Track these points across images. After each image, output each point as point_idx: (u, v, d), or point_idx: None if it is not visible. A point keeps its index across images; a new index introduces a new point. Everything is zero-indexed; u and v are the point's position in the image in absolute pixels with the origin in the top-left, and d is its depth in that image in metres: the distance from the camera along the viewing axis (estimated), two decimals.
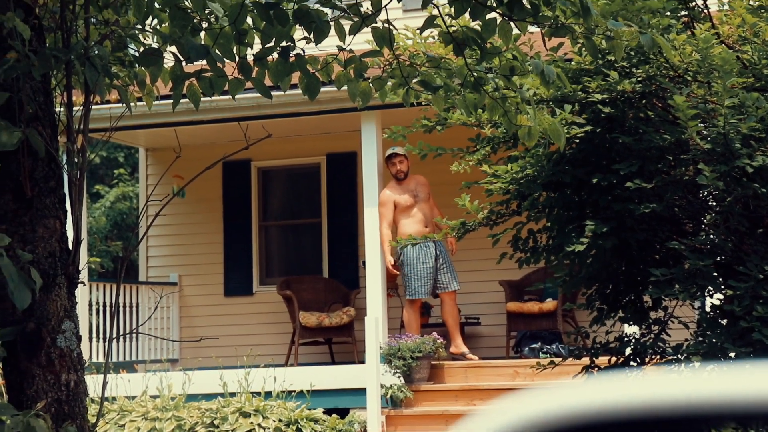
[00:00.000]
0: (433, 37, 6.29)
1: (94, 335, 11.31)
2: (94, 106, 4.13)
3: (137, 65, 4.69)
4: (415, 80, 4.69)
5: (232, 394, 10.23)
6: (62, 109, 4.08)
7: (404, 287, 10.56)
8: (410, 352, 9.94)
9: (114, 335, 9.80)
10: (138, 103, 5.14)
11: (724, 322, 5.66)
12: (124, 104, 4.50)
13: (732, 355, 5.48)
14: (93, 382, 9.05)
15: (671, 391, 1.40)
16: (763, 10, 5.90)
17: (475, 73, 4.52)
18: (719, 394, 1.38)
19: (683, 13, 6.07)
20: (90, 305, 11.26)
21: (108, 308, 11.50)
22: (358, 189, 11.92)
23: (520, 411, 1.43)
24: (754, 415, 1.44)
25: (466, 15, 4.28)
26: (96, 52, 3.77)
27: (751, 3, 5.99)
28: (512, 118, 4.61)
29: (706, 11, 6.12)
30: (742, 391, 1.37)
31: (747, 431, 1.68)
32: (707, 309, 6.03)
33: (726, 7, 6.11)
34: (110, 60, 4.31)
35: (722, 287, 5.68)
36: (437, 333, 10.35)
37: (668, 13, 5.81)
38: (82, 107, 4.00)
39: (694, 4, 6.10)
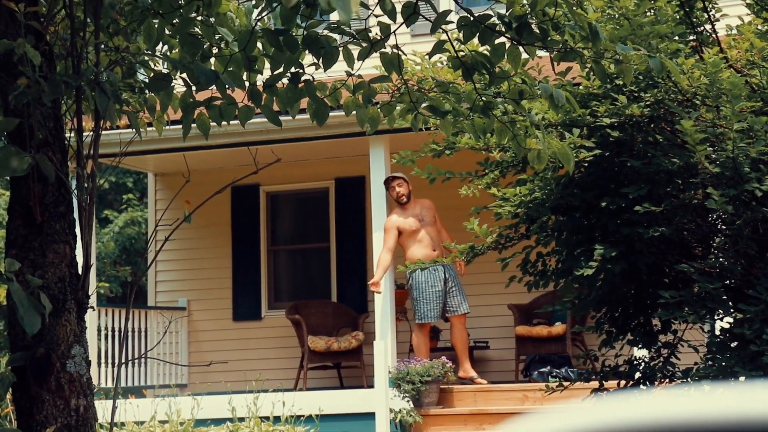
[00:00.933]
0: (442, 62, 6.31)
1: (103, 360, 11.31)
2: (104, 132, 4.14)
3: (147, 91, 4.72)
4: (423, 105, 4.70)
5: (241, 419, 10.21)
6: (72, 134, 4.09)
7: (413, 311, 10.55)
8: (419, 376, 9.92)
9: (123, 360, 9.80)
10: (147, 129, 5.16)
11: (734, 345, 5.65)
12: (134, 130, 4.51)
13: (742, 378, 5.47)
14: (102, 407, 9.04)
15: (687, 409, 1.40)
16: None
17: (483, 98, 4.53)
18: (733, 413, 1.37)
19: (691, 37, 6.08)
20: (99, 330, 11.27)
21: (117, 333, 11.50)
22: (366, 213, 11.94)
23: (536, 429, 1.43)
24: None
25: (475, 40, 4.29)
26: (106, 77, 3.79)
27: (759, 27, 6.01)
28: (521, 141, 4.61)
29: (714, 36, 6.14)
30: (754, 410, 1.37)
31: None
32: (717, 332, 6.02)
33: (734, 31, 6.12)
34: (120, 86, 4.33)
35: (732, 310, 5.67)
36: (446, 357, 10.33)
37: (676, 38, 5.83)
38: (92, 132, 4.02)
39: (702, 28, 6.11)
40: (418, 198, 10.63)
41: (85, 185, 3.94)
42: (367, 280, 12.04)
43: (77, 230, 3.97)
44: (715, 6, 6.15)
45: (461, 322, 10.56)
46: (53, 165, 3.87)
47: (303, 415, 10.19)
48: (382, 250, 10.37)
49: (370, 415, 10.02)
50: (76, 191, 3.96)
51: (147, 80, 4.57)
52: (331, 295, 12.52)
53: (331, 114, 4.76)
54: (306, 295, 12.60)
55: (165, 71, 4.50)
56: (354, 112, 4.76)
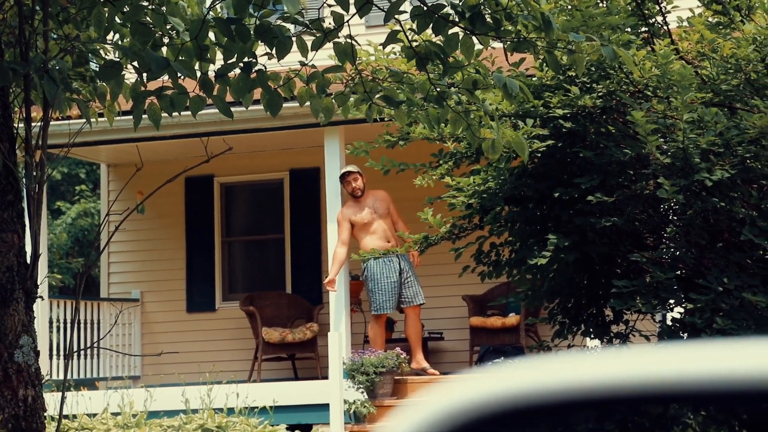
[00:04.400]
0: (396, 53, 6.31)
1: (55, 352, 11.20)
2: (54, 122, 4.10)
3: (98, 80, 4.67)
4: (377, 95, 4.70)
5: (195, 411, 10.16)
6: (21, 123, 4.05)
7: (369, 302, 10.54)
8: (373, 367, 9.93)
9: (73, 351, 9.71)
10: (99, 119, 5.11)
11: (685, 335, 5.70)
12: (85, 119, 4.47)
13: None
14: (53, 400, 8.96)
15: (620, 372, 1.38)
16: (721, 27, 5.96)
17: (437, 88, 4.53)
18: (670, 375, 1.36)
19: (643, 29, 6.12)
20: (50, 322, 11.16)
21: (68, 325, 11.40)
22: (321, 204, 11.91)
23: (455, 397, 1.41)
24: (700, 396, 1.42)
25: (429, 30, 4.29)
26: (55, 66, 3.74)
27: (710, 19, 6.06)
28: (475, 131, 4.62)
29: (665, 27, 6.18)
30: (690, 372, 1.35)
31: (692, 412, 1.68)
32: (668, 322, 6.07)
33: (685, 23, 6.17)
34: (71, 75, 4.28)
35: (683, 300, 5.72)
36: (401, 348, 10.34)
37: (628, 29, 5.86)
38: (40, 122, 3.98)
39: (654, 20, 6.15)
40: (373, 189, 10.62)
41: (34, 174, 3.89)
42: (322, 271, 12.02)
43: (26, 220, 3.93)
44: None
45: (416, 313, 10.57)
46: (1, 153, 3.82)
47: (257, 407, 10.16)
48: (336, 245, 10.35)
49: (325, 406, 10.02)
50: (25, 180, 3.92)
51: (98, 69, 4.52)
52: (286, 287, 12.49)
53: (285, 105, 4.74)
54: (260, 286, 12.56)
55: (116, 60, 4.46)
56: (308, 103, 4.75)
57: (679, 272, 5.73)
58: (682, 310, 5.84)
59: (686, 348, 1.39)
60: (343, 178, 10.53)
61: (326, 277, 10.80)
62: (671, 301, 5.75)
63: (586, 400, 1.39)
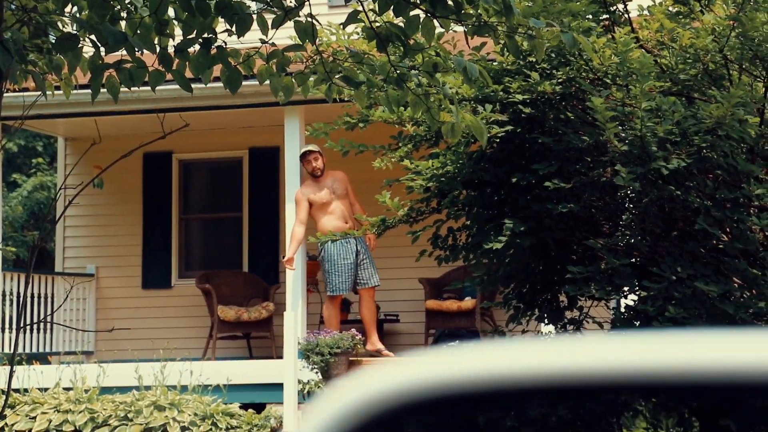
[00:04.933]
0: (357, 33, 6.29)
1: (8, 326, 11.11)
2: (10, 94, 4.05)
3: (55, 53, 4.62)
4: (337, 75, 4.68)
5: (148, 388, 10.13)
6: None
7: (325, 283, 10.53)
8: (328, 347, 9.93)
9: (24, 324, 9.64)
10: (56, 92, 5.05)
11: (638, 323, 5.75)
12: (41, 92, 4.42)
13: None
14: (4, 373, 8.89)
15: (567, 360, 1.37)
16: (681, 16, 5.99)
17: (398, 70, 4.52)
18: (622, 363, 1.36)
19: (604, 16, 6.14)
20: (3, 295, 11.07)
21: (22, 299, 11.31)
22: (280, 184, 11.87)
23: (389, 378, 1.38)
24: (651, 386, 1.42)
25: (390, 12, 4.28)
26: (10, 36, 3.70)
27: (670, 9, 6.09)
28: (435, 114, 4.62)
29: (626, 15, 6.20)
30: (645, 362, 1.35)
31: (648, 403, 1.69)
32: (622, 309, 6.11)
33: (646, 12, 6.19)
34: (27, 47, 4.23)
35: (636, 288, 5.76)
36: (356, 329, 10.35)
37: (589, 16, 5.87)
38: None
39: (615, 8, 6.17)
40: (331, 170, 10.60)
41: None
42: (279, 250, 11.99)
43: None
44: None
45: (370, 295, 10.58)
46: None
47: (211, 385, 10.14)
48: (294, 223, 10.33)
49: (279, 386, 10.02)
50: None
51: (55, 41, 4.47)
52: (243, 265, 12.46)
53: (244, 82, 4.71)
54: (217, 264, 12.52)
55: (74, 32, 4.41)
56: (267, 81, 4.72)
57: (633, 260, 5.77)
58: (635, 298, 5.88)
59: (639, 337, 1.39)
60: (304, 157, 10.50)
61: (284, 256, 10.78)
62: (625, 288, 5.79)
63: (540, 386, 1.38)
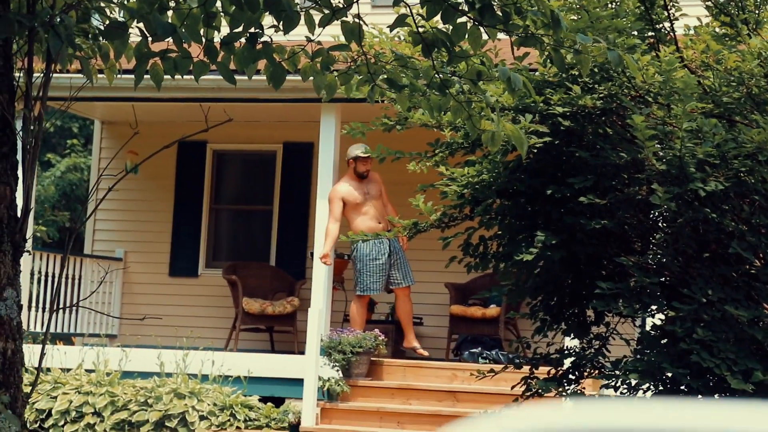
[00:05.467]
0: (401, 37, 6.29)
1: (33, 304, 11.19)
2: (54, 75, 4.08)
3: (101, 38, 4.64)
4: (381, 77, 4.68)
5: (169, 375, 10.17)
6: (22, 75, 4.03)
7: (355, 282, 10.55)
8: (351, 346, 9.94)
9: (55, 307, 9.70)
10: (98, 76, 5.08)
11: (664, 342, 5.72)
12: (85, 76, 4.45)
13: (669, 374, 5.54)
14: (29, 352, 8.95)
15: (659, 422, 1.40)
16: (727, 38, 5.97)
17: (441, 75, 4.52)
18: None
19: (649, 34, 6.12)
20: (32, 274, 11.15)
21: (50, 278, 11.38)
22: (312, 180, 11.89)
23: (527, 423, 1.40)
24: None
25: (437, 17, 4.28)
26: (61, 20, 3.72)
27: (717, 30, 6.06)
28: (476, 122, 4.61)
29: (672, 34, 6.18)
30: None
31: None
32: (648, 328, 6.09)
33: (692, 31, 6.17)
34: (75, 31, 4.26)
35: (665, 307, 5.74)
36: (379, 330, 10.37)
37: (634, 33, 5.86)
38: (42, 75, 3.96)
39: (661, 26, 6.15)
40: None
41: (31, 128, 3.88)
42: (307, 246, 12.01)
43: (19, 172, 3.91)
44: (676, 5, 6.19)
45: (406, 294, 10.61)
46: (0, 104, 3.80)
47: (231, 376, 10.18)
48: (328, 221, 10.34)
49: (299, 381, 10.03)
50: (21, 133, 3.90)
51: (102, 27, 4.50)
52: (270, 259, 12.49)
53: (287, 77, 4.73)
54: (245, 256, 12.55)
55: (121, 20, 4.44)
56: (311, 78, 4.73)
57: (663, 279, 5.75)
58: (663, 317, 5.85)
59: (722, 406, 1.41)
60: (358, 158, 10.49)
61: (311, 252, 10.80)
62: (653, 307, 5.77)
63: None
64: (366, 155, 10.34)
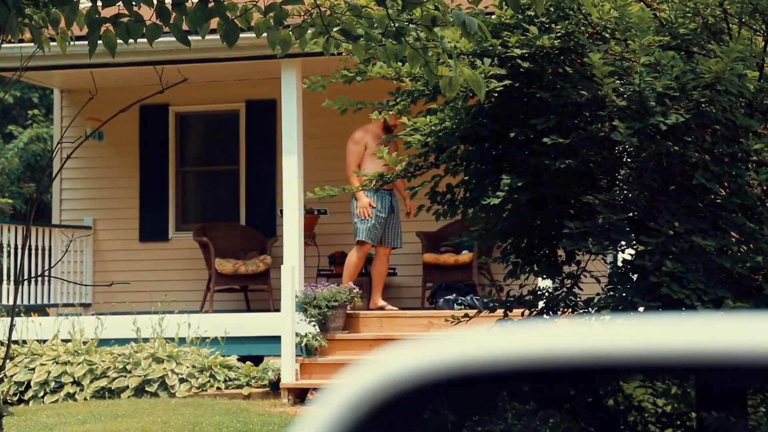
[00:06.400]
0: None
1: (5, 278, 11.14)
2: (5, 45, 4.03)
3: (51, 6, 4.59)
4: (335, 29, 4.66)
5: (146, 340, 10.18)
6: None
7: (355, 231, 10.52)
8: (326, 300, 9.97)
9: (24, 277, 9.66)
10: (52, 44, 5.03)
11: (635, 277, 5.76)
12: (37, 45, 4.39)
13: (641, 309, 5.58)
14: (2, 325, 8.92)
15: (579, 342, 1.40)
16: None
17: (396, 23, 4.50)
18: (628, 346, 1.38)
19: None
20: (1, 247, 11.08)
21: (19, 251, 11.32)
22: (277, 137, 11.85)
23: (407, 360, 1.40)
24: (661, 368, 1.44)
25: None
26: None
27: None
28: (433, 68, 4.60)
29: None
30: (651, 344, 1.38)
31: (653, 383, 1.71)
32: (619, 264, 6.13)
33: None
34: (23, 0, 4.20)
35: (634, 242, 5.77)
36: (353, 283, 10.39)
37: None
38: None
39: None
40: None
41: None
42: (276, 203, 11.99)
43: None
44: None
45: (386, 254, 10.65)
46: None
47: (209, 337, 10.19)
48: (349, 173, 10.20)
49: (276, 339, 10.06)
50: None
51: None
52: (240, 218, 12.47)
53: (242, 35, 4.69)
54: (214, 217, 12.53)
55: None
56: (265, 34, 4.70)
57: (631, 214, 5.78)
58: (633, 252, 5.89)
59: (641, 321, 1.41)
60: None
61: (281, 209, 10.79)
62: (622, 243, 5.80)
63: (556, 368, 1.40)
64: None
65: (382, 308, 10.62)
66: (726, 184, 5.65)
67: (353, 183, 10.02)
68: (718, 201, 5.67)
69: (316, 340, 9.93)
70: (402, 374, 1.37)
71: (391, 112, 6.20)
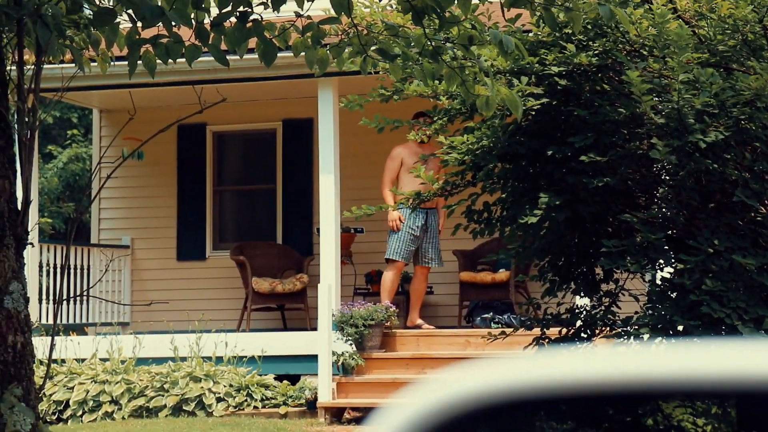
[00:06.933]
0: (391, 6, 6.27)
1: (44, 297, 11.22)
2: (46, 66, 4.07)
3: (92, 27, 4.63)
4: (372, 48, 4.67)
5: (183, 359, 10.21)
6: (13, 67, 4.01)
7: (388, 247, 10.53)
8: (362, 319, 9.96)
9: (63, 297, 9.73)
10: (92, 65, 5.07)
11: (674, 295, 5.72)
12: (78, 66, 4.44)
13: (680, 328, 5.54)
14: (42, 344, 8.99)
15: (620, 368, 1.41)
16: None
17: (433, 42, 4.50)
18: (668, 372, 1.38)
19: None
20: (40, 266, 11.17)
21: (59, 270, 11.40)
22: (313, 156, 11.88)
23: (457, 386, 1.43)
24: (702, 393, 1.44)
25: None
26: (49, 11, 3.71)
27: None
28: (470, 87, 4.60)
29: None
30: (692, 369, 1.38)
31: (693, 403, 1.69)
32: (657, 282, 6.09)
33: None
34: (65, 22, 4.25)
35: (673, 261, 5.73)
36: (390, 302, 10.38)
37: None
38: (33, 66, 3.95)
39: None
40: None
41: (26, 119, 3.87)
42: (313, 222, 12.02)
43: (17, 165, 3.91)
44: None
45: (424, 274, 10.65)
46: None
47: (246, 356, 10.21)
48: (384, 183, 10.25)
49: (313, 357, 10.06)
50: (16, 126, 3.89)
51: (92, 16, 4.48)
52: (277, 237, 12.50)
53: (279, 55, 4.72)
54: (251, 236, 12.56)
55: (110, 7, 4.42)
56: (303, 54, 4.72)
57: (669, 232, 5.74)
58: (672, 270, 5.85)
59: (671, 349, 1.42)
60: (420, 116, 10.42)
61: (317, 227, 10.80)
62: (661, 262, 5.77)
63: (606, 393, 1.43)
64: (423, 112, 10.18)
65: (419, 327, 10.60)
66: (766, 201, 5.61)
67: (387, 201, 10.04)
68: (758, 218, 5.63)
69: (353, 359, 9.92)
70: (453, 400, 1.40)
71: (428, 132, 6.20)
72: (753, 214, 5.63)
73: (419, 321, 10.65)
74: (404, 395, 1.45)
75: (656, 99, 5.49)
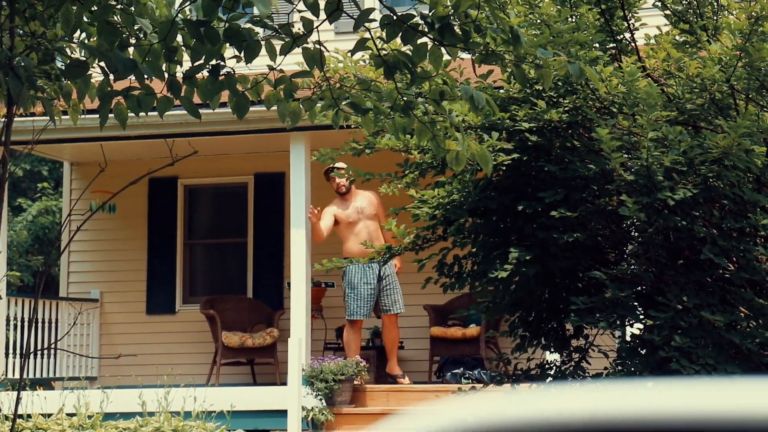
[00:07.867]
0: (364, 61, 6.31)
1: (11, 351, 11.10)
2: (17, 118, 4.06)
3: (63, 79, 4.63)
4: (344, 102, 4.69)
5: (151, 414, 10.10)
6: None
7: (345, 307, 10.53)
8: (332, 374, 9.91)
9: (31, 351, 9.63)
10: (63, 117, 5.07)
11: (644, 351, 5.73)
12: (49, 117, 4.43)
13: (650, 384, 5.54)
14: (8, 399, 8.88)
15: (611, 405, 1.42)
16: (688, 46, 6.01)
17: (405, 97, 4.53)
18: (661, 409, 1.40)
19: (611, 45, 6.15)
20: (8, 320, 11.06)
21: (26, 324, 11.30)
22: (285, 210, 11.88)
23: (450, 416, 1.43)
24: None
25: (398, 39, 4.30)
26: (20, 62, 3.71)
27: (677, 38, 6.10)
28: (440, 142, 4.62)
29: (633, 45, 6.22)
30: (672, 408, 1.39)
31: None
32: (627, 338, 6.10)
33: (653, 41, 6.21)
34: (36, 72, 4.25)
35: (642, 317, 5.75)
36: (360, 356, 10.34)
37: (596, 45, 5.88)
38: (4, 119, 3.94)
39: (621, 37, 6.18)
40: (363, 190, 10.54)
41: None
42: (284, 276, 11.98)
43: None
44: (635, 15, 6.23)
45: (392, 321, 10.61)
46: None
47: (215, 411, 10.11)
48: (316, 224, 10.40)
49: (282, 413, 9.99)
50: None
51: (64, 67, 4.49)
52: (247, 291, 12.45)
53: (252, 108, 4.73)
54: (222, 289, 12.51)
55: (82, 59, 4.43)
56: (275, 107, 4.73)
57: (639, 288, 5.76)
58: (641, 326, 5.86)
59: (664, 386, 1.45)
60: (328, 173, 10.52)
61: (288, 282, 10.76)
62: (630, 318, 5.78)
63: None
64: (333, 167, 10.31)
65: (395, 378, 10.58)
66: (734, 259, 5.64)
67: (316, 227, 10.17)
68: (727, 276, 5.66)
69: (323, 414, 9.86)
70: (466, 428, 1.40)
71: (399, 186, 6.22)
72: (721, 271, 5.66)
73: (398, 370, 10.62)
74: (392, 423, 1.47)
75: (626, 156, 5.54)
